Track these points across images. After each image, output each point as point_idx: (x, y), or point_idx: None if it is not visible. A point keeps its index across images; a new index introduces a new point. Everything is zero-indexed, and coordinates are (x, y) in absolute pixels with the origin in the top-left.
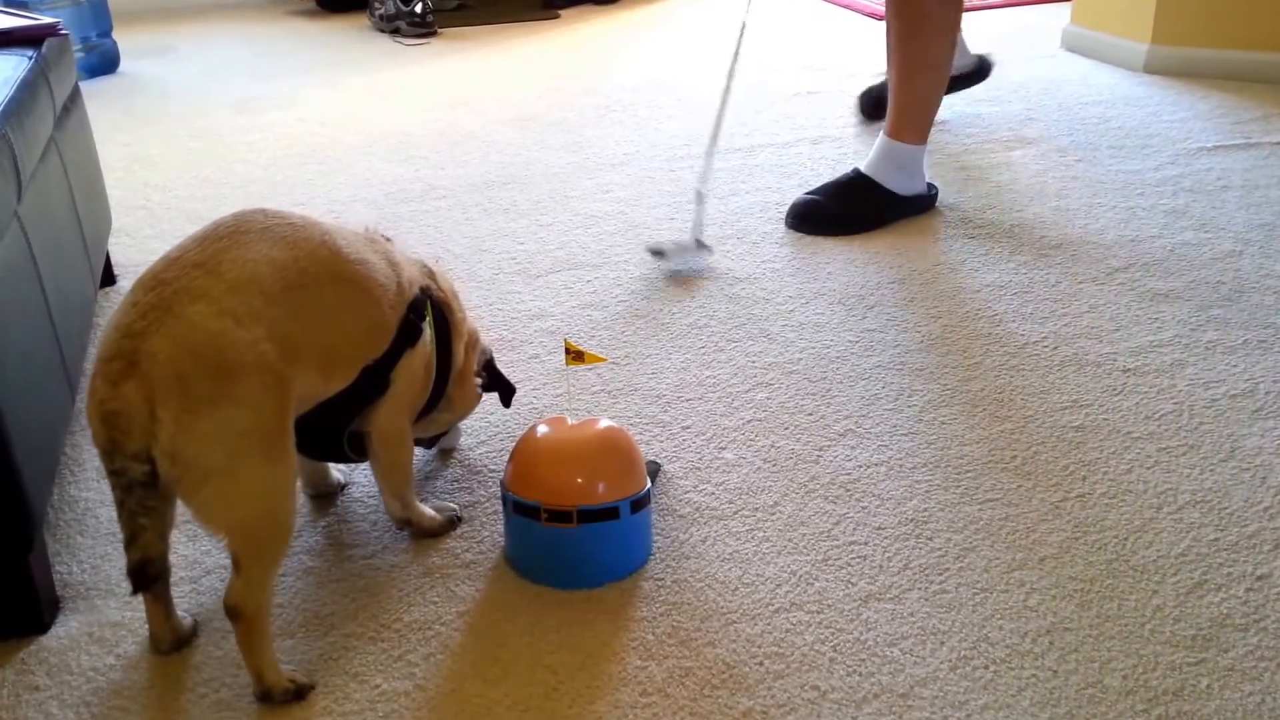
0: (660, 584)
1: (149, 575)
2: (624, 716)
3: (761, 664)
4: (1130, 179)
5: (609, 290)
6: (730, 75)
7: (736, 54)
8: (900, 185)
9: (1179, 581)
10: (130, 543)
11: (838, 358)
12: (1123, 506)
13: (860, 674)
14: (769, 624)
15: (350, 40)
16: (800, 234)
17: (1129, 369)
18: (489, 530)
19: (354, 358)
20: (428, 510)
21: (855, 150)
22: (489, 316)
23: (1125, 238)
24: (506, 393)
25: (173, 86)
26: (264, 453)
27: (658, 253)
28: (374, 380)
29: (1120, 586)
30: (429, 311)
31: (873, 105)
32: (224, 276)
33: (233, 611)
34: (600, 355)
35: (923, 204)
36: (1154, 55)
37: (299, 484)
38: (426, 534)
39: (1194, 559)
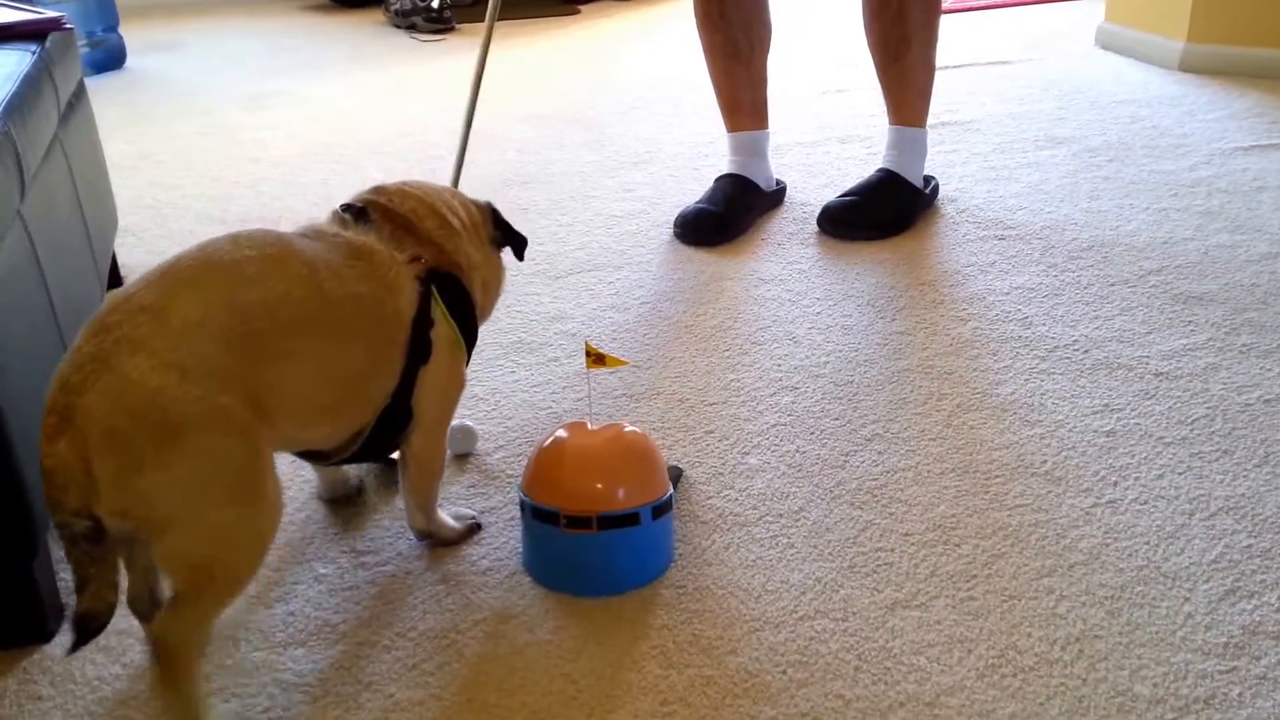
0: (682, 591)
1: (91, 629)
2: None
3: (785, 672)
4: (1164, 179)
5: (631, 292)
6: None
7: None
8: (918, 177)
9: (1210, 589)
10: (79, 589)
11: (865, 361)
12: (1154, 513)
13: (886, 682)
14: (793, 632)
15: (365, 36)
16: (825, 235)
17: (1161, 373)
18: (506, 537)
19: (349, 408)
20: (448, 520)
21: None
22: (507, 319)
23: (1158, 239)
24: (519, 246)
25: (181, 83)
26: (230, 499)
27: None
28: (394, 415)
29: (1151, 593)
30: (437, 300)
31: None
32: (171, 323)
33: (158, 643)
34: (622, 358)
35: (931, 197)
36: (1189, 53)
37: (308, 493)
38: (447, 544)
39: (1226, 566)
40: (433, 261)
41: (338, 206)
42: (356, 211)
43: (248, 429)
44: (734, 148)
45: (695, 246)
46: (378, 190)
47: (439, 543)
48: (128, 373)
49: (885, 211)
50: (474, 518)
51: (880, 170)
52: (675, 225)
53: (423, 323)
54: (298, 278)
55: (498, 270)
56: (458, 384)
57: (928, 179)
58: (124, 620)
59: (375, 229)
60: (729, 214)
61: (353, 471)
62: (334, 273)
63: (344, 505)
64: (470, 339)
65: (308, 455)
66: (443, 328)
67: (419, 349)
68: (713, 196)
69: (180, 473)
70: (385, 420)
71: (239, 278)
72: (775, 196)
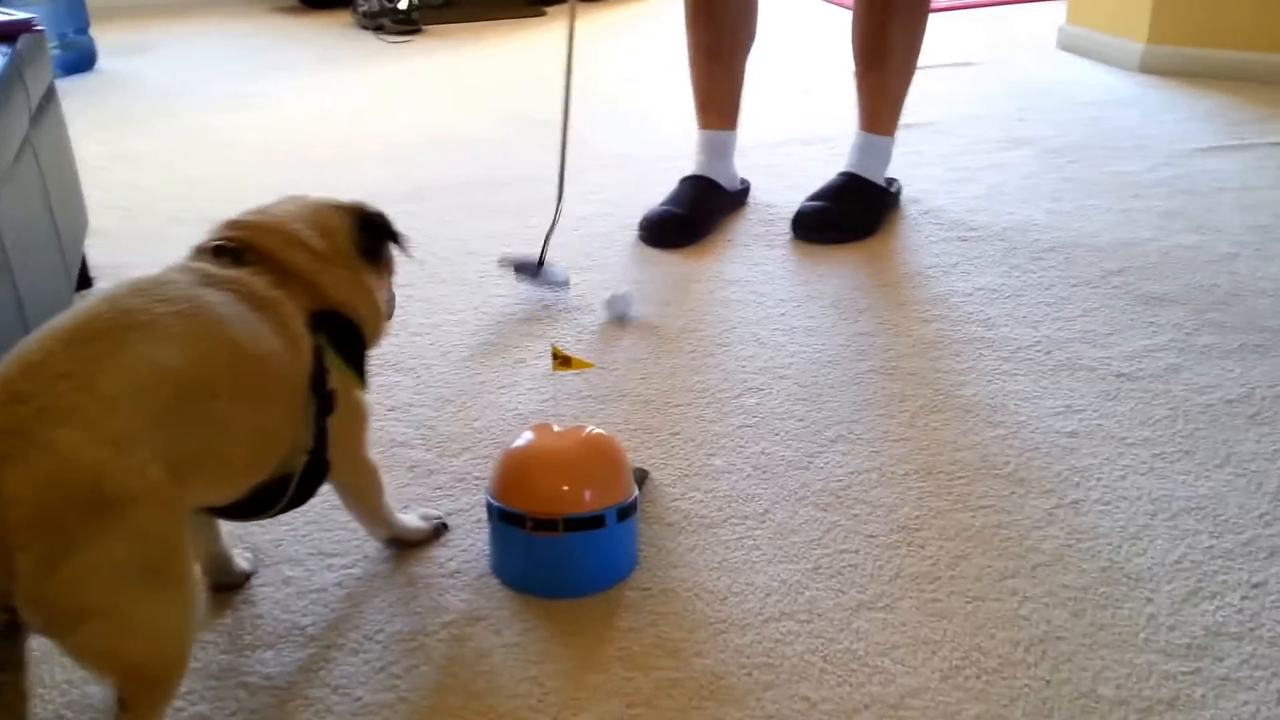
0: (647, 593)
1: None
2: None
3: (750, 675)
4: (1125, 181)
5: (597, 294)
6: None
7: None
8: (880, 178)
9: (1173, 590)
10: None
11: (829, 362)
12: (1117, 513)
13: (851, 684)
14: (758, 634)
15: (333, 38)
16: (798, 240)
17: (1123, 374)
18: (474, 539)
19: (261, 466)
20: (411, 521)
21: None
22: (474, 320)
23: (1120, 240)
24: (397, 239)
25: (151, 84)
26: (150, 585)
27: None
28: (314, 469)
29: (1114, 595)
30: (327, 347)
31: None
32: (100, 391)
33: None
34: (588, 360)
35: (894, 199)
36: (1150, 55)
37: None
38: (413, 545)
39: (1189, 566)
40: (312, 304)
41: (205, 245)
42: (233, 253)
43: (175, 503)
44: (701, 146)
45: (660, 249)
46: (236, 225)
47: (406, 544)
48: (58, 446)
49: (855, 214)
50: (440, 518)
51: (843, 174)
52: (640, 228)
53: (321, 374)
54: (219, 338)
55: (375, 284)
56: (361, 418)
57: (890, 180)
58: None
59: (260, 272)
60: (694, 216)
61: (242, 560)
62: (250, 330)
63: (230, 591)
64: (364, 370)
65: (231, 516)
66: (336, 371)
67: (323, 402)
68: (677, 198)
69: (113, 555)
70: (307, 475)
71: (162, 336)
72: (740, 196)
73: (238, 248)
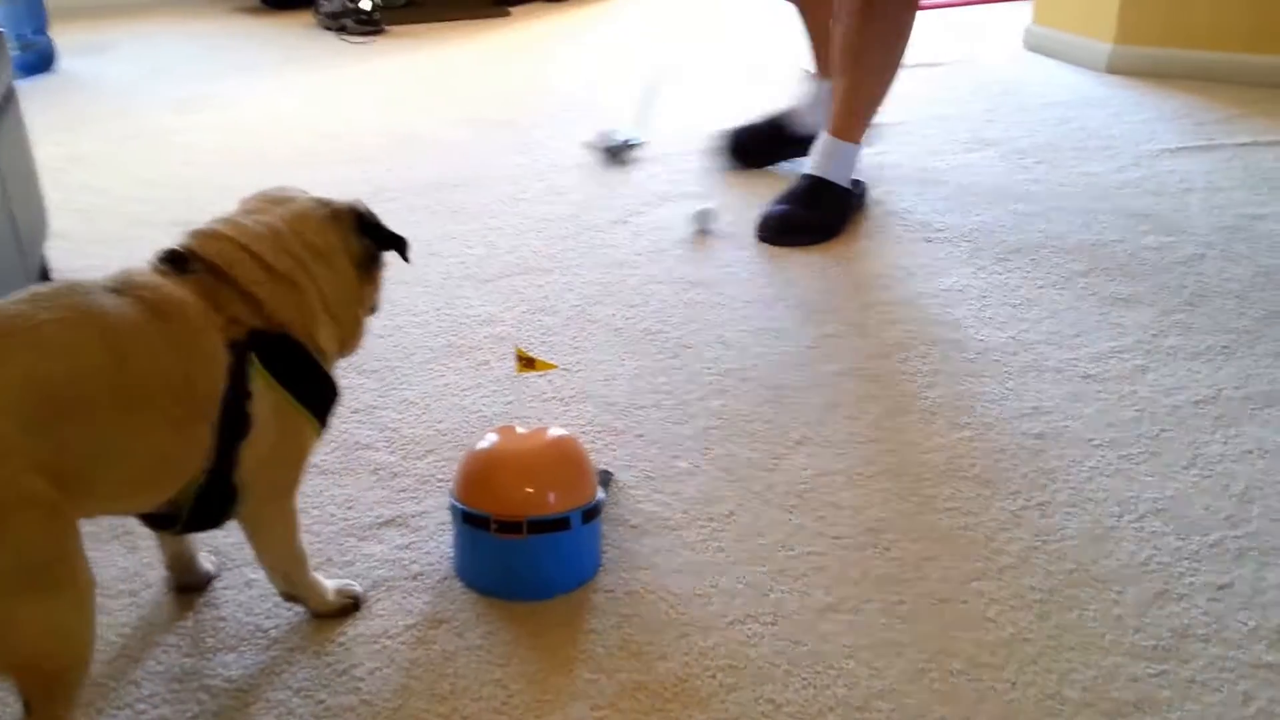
0: (612, 596)
1: None
2: None
3: (715, 677)
4: (1092, 181)
5: (561, 295)
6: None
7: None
8: (845, 180)
9: (1140, 591)
10: None
11: (795, 364)
12: (1083, 515)
13: (816, 687)
14: (723, 636)
15: (294, 38)
16: (764, 243)
17: (1090, 375)
18: (437, 541)
19: (163, 482)
20: (321, 585)
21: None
22: (437, 323)
23: (1086, 241)
24: (400, 248)
25: (111, 85)
26: (35, 589)
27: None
28: (212, 492)
29: (1080, 596)
30: (259, 369)
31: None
32: None
33: None
34: (551, 362)
35: (859, 200)
36: (1117, 55)
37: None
38: (318, 614)
39: (1155, 568)
40: (251, 320)
41: (158, 252)
42: (176, 259)
43: (56, 511)
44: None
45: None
46: (194, 233)
47: (310, 611)
48: None
49: (820, 217)
50: (357, 596)
51: (806, 175)
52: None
53: (238, 396)
54: (100, 347)
55: (361, 300)
56: (297, 452)
57: (855, 182)
58: None
59: (195, 281)
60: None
61: (207, 562)
62: (137, 340)
63: (193, 592)
64: (320, 399)
65: (147, 522)
66: (269, 397)
67: (233, 425)
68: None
69: None
70: (204, 497)
71: (38, 347)
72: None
73: (183, 256)
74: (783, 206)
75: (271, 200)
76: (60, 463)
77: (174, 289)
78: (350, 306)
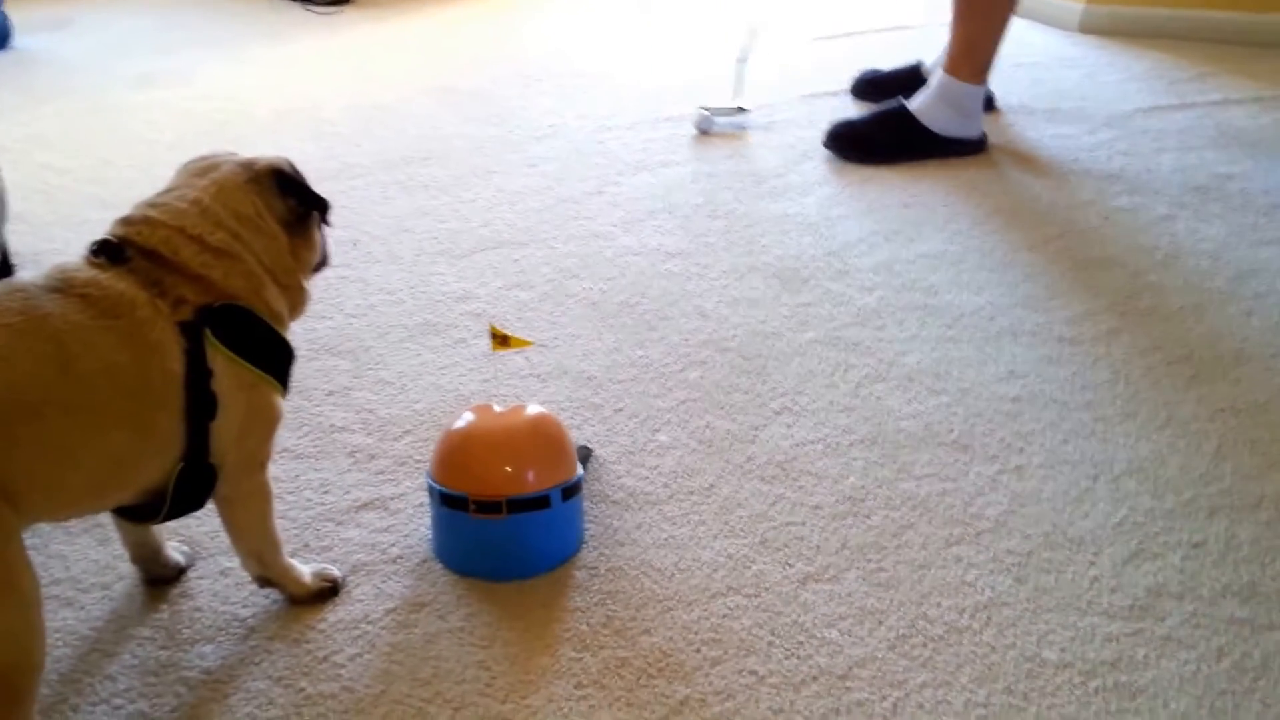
0: (594, 573)
1: None
2: (560, 710)
3: (699, 650)
4: (1065, 143)
5: (536, 270)
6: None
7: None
8: (945, 126)
9: (1115, 552)
10: None
11: (772, 333)
12: (1060, 478)
13: (798, 657)
14: (705, 609)
15: (258, 10)
16: (840, 161)
17: (1065, 338)
18: (416, 523)
19: (120, 485)
20: (297, 569)
21: (813, 120)
22: (412, 300)
23: (1060, 204)
24: (321, 210)
25: (70, 62)
26: None
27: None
28: (193, 476)
29: (1057, 559)
30: (214, 345)
31: (867, 86)
32: None
33: None
34: (527, 339)
35: (966, 148)
36: (1089, 15)
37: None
38: (295, 600)
39: (1130, 528)
40: (200, 298)
41: (89, 244)
42: (111, 250)
43: None
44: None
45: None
46: (125, 220)
47: (287, 597)
48: None
49: (880, 136)
50: (335, 580)
51: (895, 101)
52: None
53: (199, 377)
54: (43, 355)
55: (298, 259)
56: (267, 421)
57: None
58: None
59: (133, 271)
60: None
61: (176, 553)
62: (86, 342)
63: (164, 584)
64: (277, 362)
65: (120, 515)
66: (230, 371)
67: (200, 407)
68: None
69: None
70: (185, 482)
71: None
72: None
73: (118, 245)
74: (850, 119)
75: (195, 173)
76: (7, 471)
77: (115, 283)
78: (288, 268)
